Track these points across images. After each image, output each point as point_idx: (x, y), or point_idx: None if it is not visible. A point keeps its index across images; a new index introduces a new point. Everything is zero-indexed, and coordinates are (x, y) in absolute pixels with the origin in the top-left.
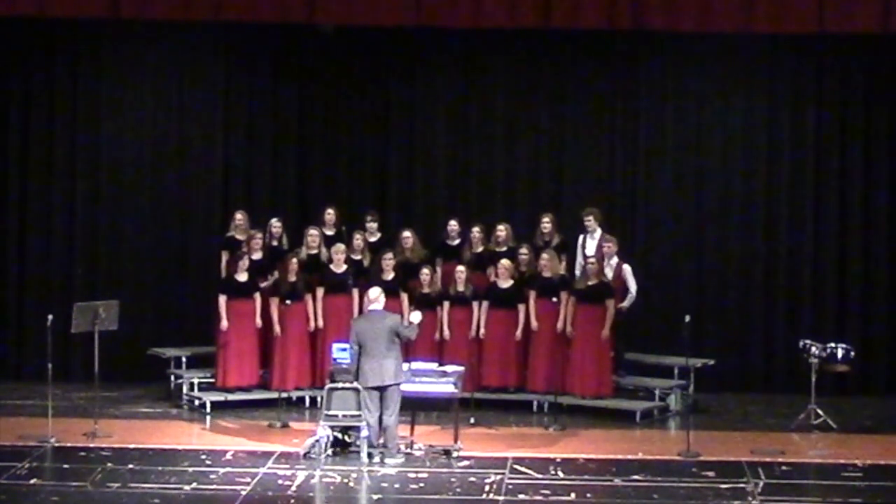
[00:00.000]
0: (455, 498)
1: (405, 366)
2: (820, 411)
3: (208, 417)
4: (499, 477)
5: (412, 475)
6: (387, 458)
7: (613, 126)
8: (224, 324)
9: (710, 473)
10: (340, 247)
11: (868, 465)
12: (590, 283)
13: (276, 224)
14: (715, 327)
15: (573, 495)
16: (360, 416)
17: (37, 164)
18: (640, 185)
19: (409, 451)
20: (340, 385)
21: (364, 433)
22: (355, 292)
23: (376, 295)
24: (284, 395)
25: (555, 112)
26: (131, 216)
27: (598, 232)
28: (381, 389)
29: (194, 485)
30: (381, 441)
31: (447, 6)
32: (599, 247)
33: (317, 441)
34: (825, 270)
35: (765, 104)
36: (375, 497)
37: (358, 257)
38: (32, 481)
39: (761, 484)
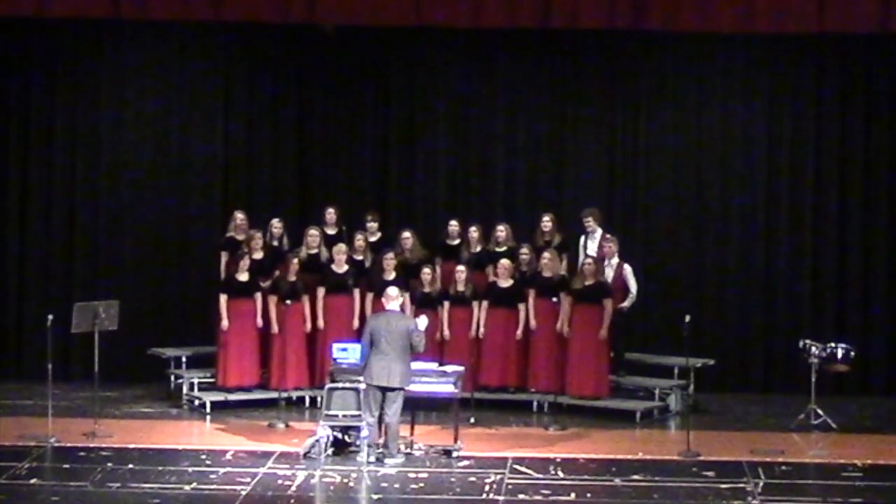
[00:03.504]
0: (455, 498)
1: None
2: (820, 411)
3: (208, 417)
4: (499, 477)
5: (412, 475)
6: (387, 458)
7: (613, 126)
8: (224, 323)
9: (710, 473)
10: (341, 247)
11: (868, 465)
12: (587, 283)
13: (276, 224)
14: (715, 327)
15: (573, 495)
16: (360, 416)
17: (37, 164)
18: (640, 185)
19: (409, 451)
20: (340, 385)
21: (364, 433)
22: (356, 292)
23: (396, 294)
24: (284, 394)
25: (555, 112)
26: (131, 216)
27: (599, 232)
28: (385, 390)
29: (194, 485)
30: (381, 441)
31: (447, 6)
32: (600, 247)
33: (317, 441)
34: (825, 270)
35: (765, 104)
36: (375, 497)
37: (359, 257)
38: (32, 481)
39: (761, 484)
